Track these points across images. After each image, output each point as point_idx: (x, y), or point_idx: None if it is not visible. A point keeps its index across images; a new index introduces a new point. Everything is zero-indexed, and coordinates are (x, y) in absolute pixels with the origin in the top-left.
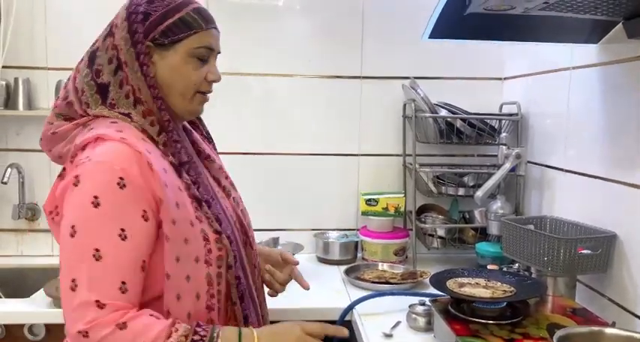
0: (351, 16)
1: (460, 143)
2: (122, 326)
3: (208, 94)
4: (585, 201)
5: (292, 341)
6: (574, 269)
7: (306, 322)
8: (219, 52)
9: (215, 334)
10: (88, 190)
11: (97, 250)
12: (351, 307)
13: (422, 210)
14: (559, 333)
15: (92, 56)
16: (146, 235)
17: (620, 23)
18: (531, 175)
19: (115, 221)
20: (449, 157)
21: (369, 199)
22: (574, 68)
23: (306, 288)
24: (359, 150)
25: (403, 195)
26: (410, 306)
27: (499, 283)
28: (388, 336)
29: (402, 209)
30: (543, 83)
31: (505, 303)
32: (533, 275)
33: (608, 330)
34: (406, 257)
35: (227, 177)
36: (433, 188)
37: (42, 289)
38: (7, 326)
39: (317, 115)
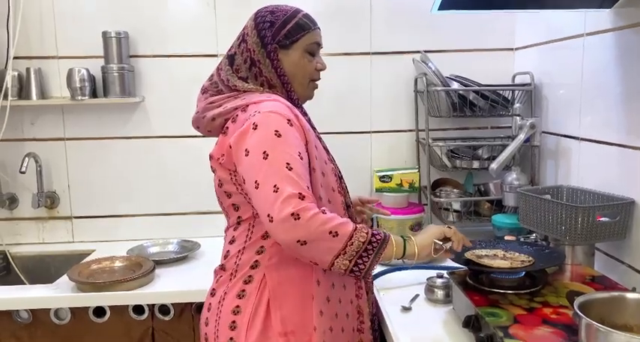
0: None
1: (473, 116)
2: (323, 211)
3: (318, 82)
4: (602, 169)
5: (436, 232)
6: (592, 237)
7: None
8: (322, 47)
9: (387, 237)
10: (269, 128)
11: (288, 163)
12: None
13: (436, 184)
14: (579, 299)
15: (231, 59)
16: (306, 161)
17: None
18: (546, 145)
19: (294, 146)
20: (462, 130)
21: (383, 176)
22: (587, 35)
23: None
24: (371, 127)
25: (417, 170)
26: (428, 279)
27: (517, 254)
28: (407, 309)
29: (417, 185)
30: (556, 52)
31: (523, 273)
32: (550, 245)
33: (630, 295)
34: None
35: (329, 152)
36: (447, 162)
37: (65, 275)
38: (33, 311)
39: (327, 93)
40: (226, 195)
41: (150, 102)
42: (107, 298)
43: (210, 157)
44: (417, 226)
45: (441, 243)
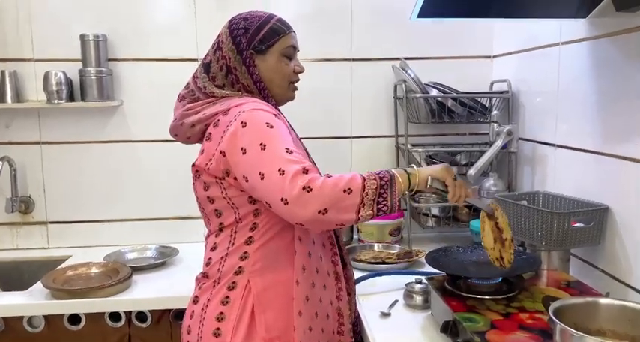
0: None
1: (452, 122)
2: (328, 176)
3: (297, 83)
4: (577, 175)
5: (438, 173)
6: (567, 243)
7: None
8: (298, 50)
9: (393, 176)
10: (259, 122)
11: (287, 149)
12: None
13: (415, 190)
14: (554, 305)
15: (207, 67)
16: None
17: None
18: (523, 151)
19: (286, 135)
20: (441, 136)
21: None
22: (563, 44)
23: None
24: (351, 133)
25: None
26: (407, 284)
27: None
28: (386, 315)
29: None
30: (533, 60)
31: (500, 278)
32: (527, 250)
33: (603, 300)
34: (401, 237)
35: (309, 156)
36: None
37: (39, 282)
38: (6, 319)
39: (308, 99)
40: (209, 201)
41: (129, 106)
42: (83, 305)
43: (195, 165)
44: (396, 231)
45: (440, 188)
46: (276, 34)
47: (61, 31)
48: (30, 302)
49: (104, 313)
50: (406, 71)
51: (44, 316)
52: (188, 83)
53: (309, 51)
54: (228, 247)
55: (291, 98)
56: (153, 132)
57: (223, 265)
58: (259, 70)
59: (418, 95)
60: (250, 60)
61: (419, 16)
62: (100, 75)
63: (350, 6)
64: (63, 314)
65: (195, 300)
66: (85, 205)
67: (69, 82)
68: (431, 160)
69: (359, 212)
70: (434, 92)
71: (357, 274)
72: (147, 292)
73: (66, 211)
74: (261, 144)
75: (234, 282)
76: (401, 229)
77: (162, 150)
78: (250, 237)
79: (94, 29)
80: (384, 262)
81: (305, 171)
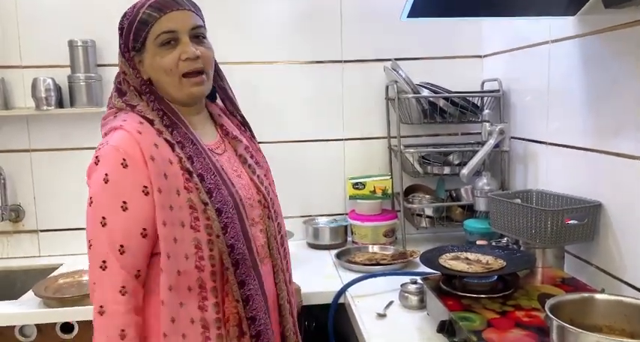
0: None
1: (444, 122)
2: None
3: (199, 75)
4: (569, 172)
5: None
6: (561, 240)
7: None
8: (195, 28)
9: None
10: (101, 169)
11: (104, 218)
12: (343, 290)
13: (409, 191)
14: (550, 301)
15: (117, 75)
16: (148, 207)
17: None
18: (515, 150)
19: (117, 196)
20: (433, 137)
21: (356, 183)
22: (552, 42)
23: None
24: (344, 134)
25: (390, 177)
26: (402, 285)
27: (489, 258)
28: (382, 316)
29: (389, 191)
30: (523, 58)
31: (496, 277)
32: (521, 248)
33: (599, 296)
34: (396, 238)
35: (253, 156)
36: (419, 168)
37: (31, 290)
38: None
39: (300, 102)
40: None
41: None
42: (75, 313)
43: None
44: (390, 233)
45: None
46: (145, 25)
47: (49, 37)
48: (21, 311)
49: None
50: (397, 72)
51: (36, 325)
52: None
53: (300, 54)
54: None
55: (195, 94)
56: None
57: None
58: (146, 70)
59: (410, 96)
60: (132, 62)
61: (409, 16)
62: (89, 81)
63: (340, 7)
64: (55, 323)
65: None
66: (76, 213)
67: (58, 89)
68: (424, 160)
69: None
70: (425, 92)
71: (351, 276)
72: None
73: (57, 218)
74: (90, 198)
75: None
76: (395, 230)
77: None
78: None
79: (83, 35)
80: (378, 264)
81: (103, 268)
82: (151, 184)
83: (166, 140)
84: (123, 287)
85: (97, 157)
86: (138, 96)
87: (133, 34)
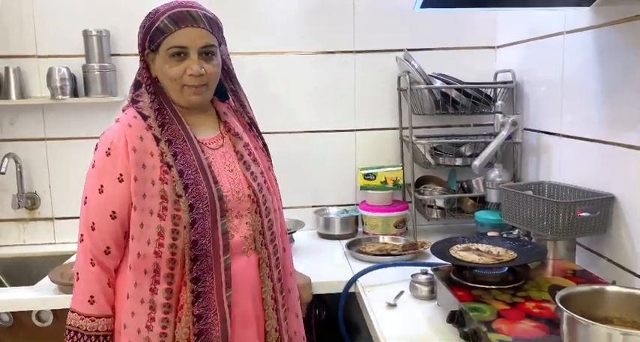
0: None
1: (456, 113)
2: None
3: (201, 86)
4: (582, 164)
5: None
6: (573, 232)
7: None
8: (206, 47)
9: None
10: (94, 156)
11: (86, 197)
12: (354, 280)
13: (420, 182)
14: (561, 293)
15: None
16: (119, 193)
17: None
18: (528, 141)
19: (97, 179)
20: (445, 128)
21: (367, 174)
22: (567, 33)
23: None
24: (355, 125)
25: (401, 168)
26: (412, 276)
27: (500, 249)
28: (392, 305)
29: (401, 182)
30: (537, 49)
31: (506, 268)
32: (533, 240)
33: (610, 288)
34: (406, 229)
35: (251, 154)
36: (431, 160)
37: (47, 276)
38: (14, 314)
39: (311, 92)
40: None
41: None
42: None
43: None
44: (401, 223)
45: None
46: (162, 33)
47: (64, 27)
48: (38, 297)
49: None
50: (410, 62)
51: (52, 310)
52: None
53: (312, 44)
54: None
55: (193, 102)
56: None
57: None
58: (154, 69)
59: (422, 86)
60: (145, 58)
61: (422, 7)
62: (103, 70)
63: None
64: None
65: None
66: None
67: (72, 78)
68: (435, 151)
69: None
70: (438, 83)
71: (362, 266)
72: None
73: (72, 206)
74: (85, 197)
75: None
76: (406, 221)
77: None
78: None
79: (97, 25)
80: (389, 254)
81: (80, 239)
82: (129, 173)
83: (154, 135)
84: (92, 259)
85: (96, 144)
86: (147, 91)
87: (150, 37)
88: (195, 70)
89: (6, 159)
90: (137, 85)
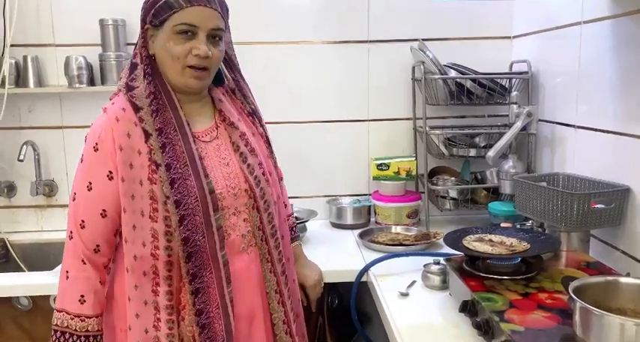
0: None
1: (470, 104)
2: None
3: (202, 70)
4: (597, 156)
5: None
6: (588, 224)
7: None
8: (215, 29)
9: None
10: (83, 148)
11: (75, 193)
12: (366, 269)
13: (433, 173)
14: (574, 284)
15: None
16: (109, 191)
17: None
18: (543, 133)
19: (86, 176)
20: (459, 118)
21: (380, 164)
22: (584, 23)
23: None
24: (368, 115)
25: (414, 158)
26: (425, 265)
27: (513, 240)
28: (404, 295)
29: (414, 172)
30: (553, 40)
31: (519, 259)
32: (546, 231)
33: (623, 279)
34: (419, 220)
35: (247, 143)
36: (444, 150)
37: None
38: (33, 298)
39: (325, 82)
40: None
41: None
42: None
43: None
44: (414, 214)
45: None
46: (170, 8)
47: (80, 17)
48: (55, 282)
49: None
50: (424, 52)
51: None
52: None
53: (326, 33)
54: None
55: (192, 86)
56: None
57: None
58: (154, 46)
59: (437, 77)
60: (145, 33)
61: None
62: (119, 59)
63: None
64: None
65: None
66: None
67: (89, 67)
68: (449, 142)
69: None
70: (452, 73)
71: (374, 256)
72: None
73: None
74: (74, 193)
75: None
76: (418, 212)
77: None
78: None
79: (113, 14)
80: (401, 244)
81: (70, 237)
82: (117, 172)
83: (144, 130)
84: (82, 257)
85: (85, 136)
86: (143, 72)
87: (155, 10)
88: (202, 51)
89: (24, 146)
90: (133, 67)
